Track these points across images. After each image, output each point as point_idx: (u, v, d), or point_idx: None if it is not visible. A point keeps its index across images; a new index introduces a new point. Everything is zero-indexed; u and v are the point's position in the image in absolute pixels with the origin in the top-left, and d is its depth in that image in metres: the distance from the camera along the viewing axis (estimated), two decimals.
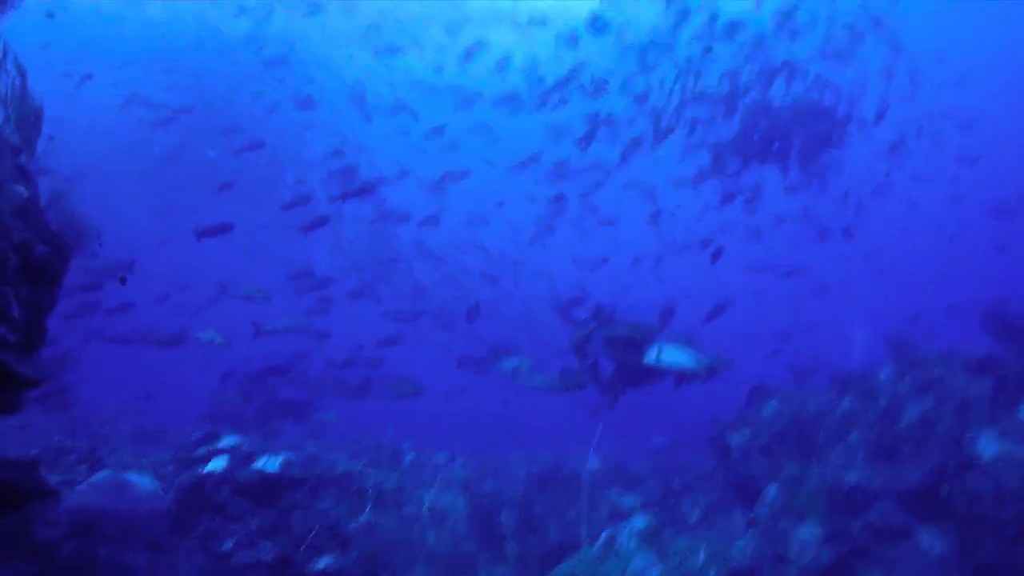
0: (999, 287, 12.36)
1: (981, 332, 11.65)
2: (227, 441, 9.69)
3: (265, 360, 15.40)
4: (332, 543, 7.98)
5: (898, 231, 26.19)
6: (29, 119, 5.31)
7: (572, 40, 18.05)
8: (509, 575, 7.12)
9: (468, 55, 18.68)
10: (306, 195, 13.97)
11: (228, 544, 7.59)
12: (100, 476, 7.47)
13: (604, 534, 7.39)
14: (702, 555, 6.52)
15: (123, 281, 11.81)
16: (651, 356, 7.65)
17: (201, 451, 9.48)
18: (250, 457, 9.47)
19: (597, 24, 17.17)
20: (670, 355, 7.81)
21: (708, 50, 15.48)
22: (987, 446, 7.71)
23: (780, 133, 14.19)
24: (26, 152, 5.10)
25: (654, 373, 8.43)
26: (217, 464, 8.99)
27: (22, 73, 5.38)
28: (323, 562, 7.40)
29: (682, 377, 8.37)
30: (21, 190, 4.55)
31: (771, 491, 8.59)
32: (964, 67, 21.73)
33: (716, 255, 13.96)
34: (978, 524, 7.60)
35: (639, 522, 7.40)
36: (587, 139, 15.01)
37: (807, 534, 7.55)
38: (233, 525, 8.03)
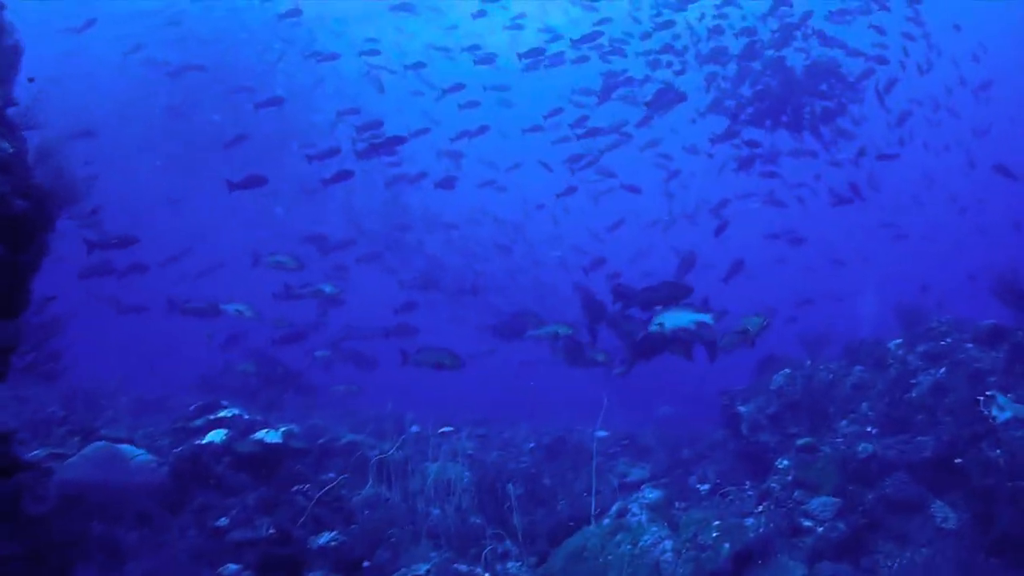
0: (1011, 257, 12.09)
1: (993, 301, 11.48)
2: (227, 412, 9.53)
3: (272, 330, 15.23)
4: (334, 518, 7.86)
5: (911, 200, 25.83)
6: (4, 56, 5.01)
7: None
8: (517, 549, 7.00)
9: (481, 13, 18.23)
10: (335, 147, 13.42)
11: (224, 520, 7.43)
12: (93, 448, 7.32)
13: (615, 507, 7.28)
14: (715, 528, 6.40)
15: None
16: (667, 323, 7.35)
17: (199, 422, 9.31)
18: (251, 428, 9.33)
19: None
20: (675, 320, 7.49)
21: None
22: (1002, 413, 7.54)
23: (793, 96, 13.88)
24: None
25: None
26: (216, 435, 8.84)
27: None
28: (324, 538, 7.26)
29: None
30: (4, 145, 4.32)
31: (783, 462, 8.47)
32: (980, 37, 21.31)
33: (720, 228, 13.68)
34: (993, 495, 7.48)
35: (650, 494, 7.28)
36: (605, 94, 14.66)
37: (821, 506, 7.43)
38: (230, 499, 7.88)
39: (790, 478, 8.06)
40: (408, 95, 21.96)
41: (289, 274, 11.65)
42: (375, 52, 18.28)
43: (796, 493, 7.79)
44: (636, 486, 10.30)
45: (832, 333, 13.64)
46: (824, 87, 13.98)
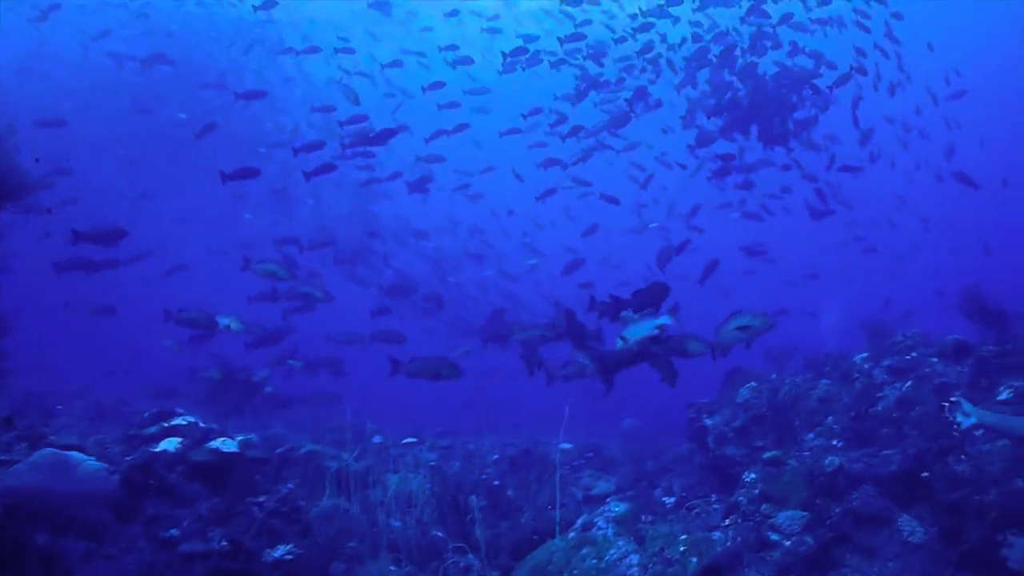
0: (977, 274, 12.21)
1: (957, 317, 11.54)
2: (182, 419, 9.24)
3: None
4: (290, 529, 7.60)
5: (881, 217, 26.07)
6: None
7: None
8: (479, 564, 6.81)
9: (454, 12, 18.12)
10: (320, 141, 13.07)
11: (175, 531, 7.15)
12: (40, 455, 6.99)
13: (580, 520, 7.12)
14: (682, 543, 6.26)
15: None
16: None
17: (153, 429, 9.02)
18: (206, 436, 9.05)
19: None
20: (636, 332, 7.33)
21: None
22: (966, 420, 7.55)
23: (764, 106, 13.85)
24: None
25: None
26: (169, 443, 8.56)
27: None
28: (279, 551, 7.01)
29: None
30: None
31: (750, 476, 8.36)
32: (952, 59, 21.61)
33: (681, 247, 13.25)
34: (960, 509, 7.44)
35: (616, 508, 7.13)
36: (581, 96, 14.53)
37: (788, 520, 7.33)
38: (182, 510, 7.60)
39: (757, 491, 7.96)
40: (380, 99, 21.72)
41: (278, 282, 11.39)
42: (349, 51, 18.03)
43: (763, 507, 7.68)
44: (601, 499, 10.15)
45: (798, 347, 13.68)
46: (795, 98, 13.97)
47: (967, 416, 4.08)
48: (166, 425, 9.27)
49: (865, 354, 11.21)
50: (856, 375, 10.79)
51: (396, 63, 18.79)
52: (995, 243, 26.14)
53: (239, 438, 9.43)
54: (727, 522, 7.71)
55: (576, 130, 14.71)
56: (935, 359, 10.14)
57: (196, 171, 22.96)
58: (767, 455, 8.86)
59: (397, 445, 12.27)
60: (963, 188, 15.56)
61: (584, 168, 15.97)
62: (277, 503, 8.25)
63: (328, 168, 12.05)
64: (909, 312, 15.22)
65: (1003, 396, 8.51)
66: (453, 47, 17.40)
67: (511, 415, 18.08)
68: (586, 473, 12.14)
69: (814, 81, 13.95)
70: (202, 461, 8.70)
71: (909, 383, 9.83)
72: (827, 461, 8.14)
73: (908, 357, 10.49)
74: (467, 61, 16.77)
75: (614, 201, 16.76)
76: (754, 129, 14.17)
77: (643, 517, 8.22)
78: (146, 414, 9.67)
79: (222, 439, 9.24)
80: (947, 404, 4.19)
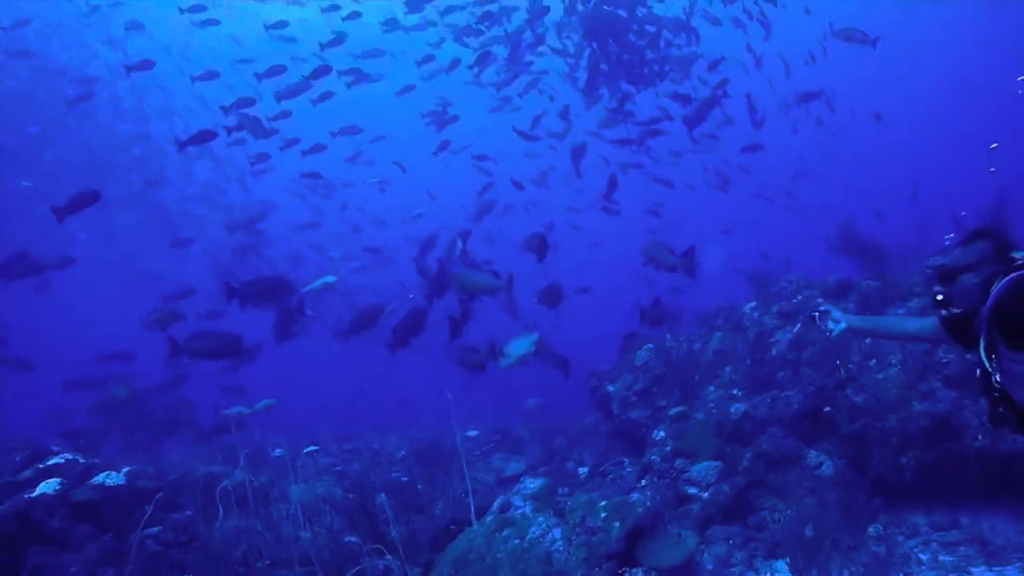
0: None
1: (832, 260, 11.88)
2: (59, 458, 8.49)
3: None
4: (191, 558, 7.07)
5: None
6: None
7: None
8: (398, 562, 6.48)
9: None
10: (211, 130, 12.18)
11: None
12: None
13: (496, 503, 6.89)
14: (602, 509, 6.11)
15: None
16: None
17: (27, 473, 8.24)
18: (88, 472, 8.35)
19: None
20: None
21: None
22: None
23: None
24: None
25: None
26: (47, 486, 7.83)
27: None
28: None
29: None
30: None
31: (659, 434, 8.34)
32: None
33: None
34: (863, 438, 7.61)
35: (531, 484, 6.94)
36: (480, 64, 14.07)
37: (703, 471, 7.32)
38: (70, 555, 6.95)
39: (668, 448, 7.93)
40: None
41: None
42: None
43: (677, 462, 7.66)
44: (514, 480, 9.98)
45: (687, 307, 13.86)
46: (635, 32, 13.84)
47: (837, 323, 4.09)
48: (41, 467, 8.50)
49: (753, 303, 11.40)
50: (747, 324, 10.95)
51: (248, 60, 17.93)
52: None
53: (125, 469, 8.76)
54: (643, 483, 7.65)
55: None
56: (820, 299, 10.37)
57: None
58: (673, 411, 8.87)
59: (300, 455, 11.75)
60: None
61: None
62: (174, 532, 7.69)
63: (209, 135, 11.12)
64: (788, 259, 15.62)
65: None
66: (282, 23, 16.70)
67: (414, 410, 17.70)
68: (496, 457, 11.97)
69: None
70: (86, 500, 8.02)
71: (798, 326, 10.03)
72: (732, 409, 8.20)
73: (795, 300, 10.71)
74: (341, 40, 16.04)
75: (520, 186, 16.55)
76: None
77: (559, 490, 8.07)
78: (18, 457, 8.84)
79: (106, 472, 8.56)
80: (816, 314, 4.19)
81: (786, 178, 27.04)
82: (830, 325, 4.20)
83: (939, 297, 3.49)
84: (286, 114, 13.96)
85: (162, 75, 24.71)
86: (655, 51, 14.06)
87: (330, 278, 10.43)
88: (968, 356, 3.90)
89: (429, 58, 15.42)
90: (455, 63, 15.21)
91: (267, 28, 16.43)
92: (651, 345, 11.25)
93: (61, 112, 21.76)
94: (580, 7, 13.74)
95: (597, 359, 12.63)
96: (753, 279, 12.61)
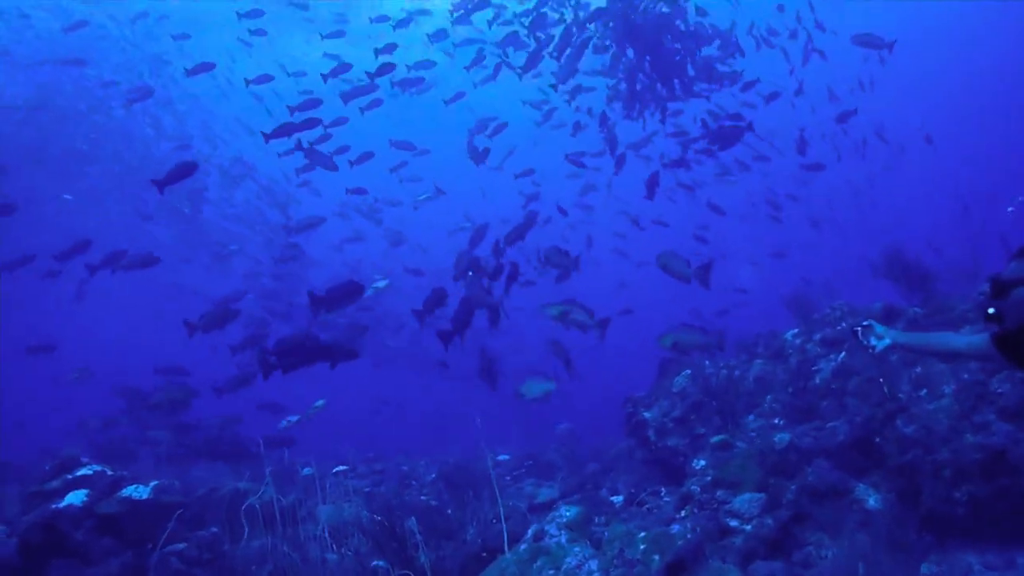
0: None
1: (877, 286, 11.55)
2: (87, 469, 8.41)
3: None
4: None
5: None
6: None
7: None
8: None
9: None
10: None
11: None
12: None
13: (530, 531, 6.64)
14: (641, 541, 5.84)
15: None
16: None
17: (55, 483, 8.17)
18: (116, 485, 8.25)
19: None
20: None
21: None
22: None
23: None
24: None
25: None
26: (75, 496, 7.75)
27: None
28: None
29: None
30: None
31: (700, 463, 8.04)
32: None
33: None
34: (914, 471, 7.27)
35: (566, 512, 6.68)
36: (476, 63, 13.94)
37: (745, 503, 7.01)
38: (92, 569, 6.81)
39: (709, 478, 7.62)
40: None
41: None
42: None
43: (718, 493, 7.35)
44: (547, 507, 9.72)
45: (727, 331, 13.53)
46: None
47: (880, 339, 3.85)
48: (70, 477, 8.44)
49: (796, 330, 11.09)
50: (789, 352, 10.65)
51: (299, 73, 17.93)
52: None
53: (152, 483, 8.67)
54: (683, 514, 7.35)
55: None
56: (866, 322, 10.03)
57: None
58: (715, 439, 8.57)
59: (329, 475, 11.60)
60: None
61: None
62: (198, 550, 7.55)
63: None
64: (829, 287, 15.27)
65: None
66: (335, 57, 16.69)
67: (445, 432, 17.53)
68: (528, 482, 11.70)
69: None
70: (112, 512, 7.93)
71: (843, 354, 9.70)
72: (777, 439, 7.89)
73: (838, 328, 10.38)
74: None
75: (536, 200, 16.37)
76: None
77: (596, 519, 7.80)
78: (47, 466, 8.79)
79: (134, 486, 8.48)
80: (859, 329, 3.97)
81: (834, 202, 26.66)
82: (873, 341, 4.00)
83: (990, 311, 3.23)
84: (342, 120, 13.86)
85: (204, 96, 25.12)
86: (696, 62, 13.76)
87: (382, 283, 10.38)
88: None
89: (479, 60, 15.19)
90: (498, 68, 14.99)
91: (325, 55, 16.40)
92: (689, 371, 10.98)
93: (104, 129, 22.09)
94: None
95: (633, 384, 12.38)
96: (795, 305, 12.31)
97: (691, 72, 13.82)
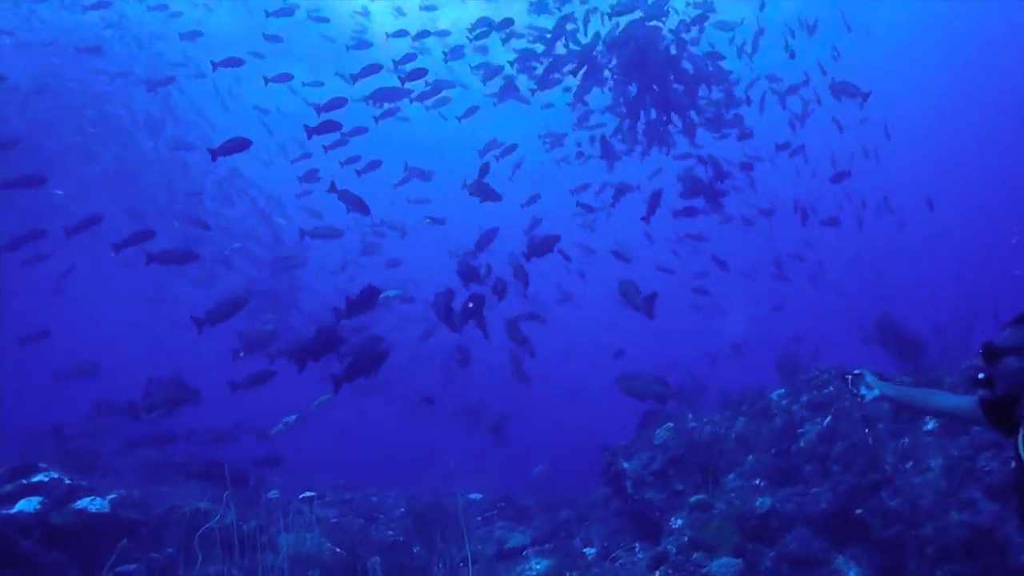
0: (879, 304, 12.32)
1: (866, 350, 11.45)
2: (43, 475, 8.10)
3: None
4: None
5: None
6: None
7: None
8: None
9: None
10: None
11: None
12: None
13: None
14: None
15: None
16: None
17: (8, 487, 7.86)
18: (72, 494, 7.95)
19: None
20: None
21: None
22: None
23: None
24: None
25: None
26: (28, 503, 7.45)
27: None
28: None
29: None
30: None
31: (677, 522, 7.82)
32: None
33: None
34: (897, 546, 7.08)
35: (537, 566, 6.43)
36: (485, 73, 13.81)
37: (722, 568, 6.78)
38: None
39: (686, 539, 7.41)
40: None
41: None
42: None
43: (694, 555, 7.13)
44: (517, 552, 9.45)
45: (711, 385, 13.39)
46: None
47: (870, 389, 3.82)
48: (24, 483, 8.12)
49: (782, 390, 10.93)
50: (775, 412, 10.45)
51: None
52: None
53: (110, 496, 8.36)
54: (657, 574, 7.12)
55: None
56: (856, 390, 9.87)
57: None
58: (694, 499, 8.35)
59: (296, 501, 11.27)
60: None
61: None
62: (149, 571, 7.24)
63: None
64: (817, 347, 15.17)
65: (929, 427, 8.25)
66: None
67: (418, 464, 17.22)
68: (499, 525, 11.41)
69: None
70: (64, 524, 7.63)
71: (829, 418, 9.52)
72: (758, 503, 7.68)
73: (825, 391, 10.21)
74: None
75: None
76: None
77: (568, 574, 7.55)
78: (1, 469, 8.47)
79: (90, 498, 8.17)
80: (850, 376, 3.95)
81: (833, 263, 26.73)
82: (863, 390, 3.99)
83: (980, 376, 3.20)
84: (362, 130, 13.62)
85: (205, 108, 24.99)
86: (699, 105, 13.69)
87: (392, 292, 10.23)
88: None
89: (495, 71, 15.03)
90: (511, 84, 14.81)
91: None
92: (671, 424, 10.78)
93: (102, 128, 21.86)
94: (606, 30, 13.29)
95: (615, 428, 12.20)
96: (783, 365, 12.18)
97: (694, 117, 13.76)
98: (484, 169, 12.13)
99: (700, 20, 13.57)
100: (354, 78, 13.30)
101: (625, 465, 10.51)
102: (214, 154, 9.69)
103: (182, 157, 23.38)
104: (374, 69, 13.18)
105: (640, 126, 13.98)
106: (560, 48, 13.87)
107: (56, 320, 19.34)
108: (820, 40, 18.47)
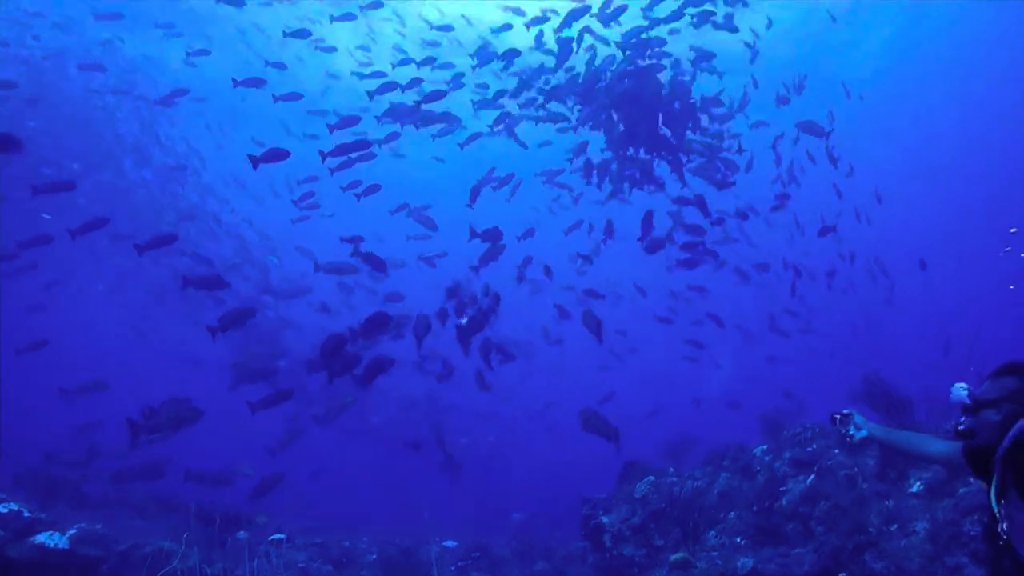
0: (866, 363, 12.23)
1: (856, 404, 11.34)
2: (3, 506, 7.85)
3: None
4: None
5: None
6: None
7: None
8: None
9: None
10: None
11: None
12: None
13: None
14: None
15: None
16: None
17: None
18: (30, 528, 7.68)
19: None
20: None
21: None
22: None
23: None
24: None
25: None
26: None
27: None
28: None
29: None
30: None
31: None
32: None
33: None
34: None
35: None
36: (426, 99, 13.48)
37: None
38: None
39: None
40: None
41: None
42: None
43: None
44: None
45: (694, 439, 13.22)
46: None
47: (859, 429, 3.85)
48: None
49: (765, 446, 10.77)
50: (757, 468, 10.29)
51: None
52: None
53: (70, 532, 8.07)
54: None
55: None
56: (837, 450, 9.73)
57: None
58: (673, 557, 8.11)
59: (265, 543, 10.93)
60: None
61: None
62: None
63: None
64: (802, 401, 15.04)
65: (914, 489, 8.10)
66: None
67: (392, 507, 16.90)
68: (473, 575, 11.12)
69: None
70: (20, 559, 7.35)
71: (812, 476, 9.35)
72: (739, 563, 7.47)
73: (809, 449, 10.06)
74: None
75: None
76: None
77: None
78: None
79: (49, 532, 7.89)
80: (839, 416, 3.89)
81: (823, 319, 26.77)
82: (852, 431, 3.89)
83: (960, 427, 3.29)
84: (370, 156, 13.39)
85: (196, 138, 24.89)
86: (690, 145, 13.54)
87: None
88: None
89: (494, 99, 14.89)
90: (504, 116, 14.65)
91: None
92: (652, 477, 10.57)
93: (97, 153, 21.70)
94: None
95: (596, 476, 12.01)
96: (766, 421, 12.05)
97: (684, 159, 13.65)
98: (475, 193, 12.15)
99: (701, 60, 13.51)
100: (370, 95, 12.94)
101: (604, 519, 10.26)
102: (255, 161, 9.62)
103: (172, 190, 23.28)
104: (389, 87, 12.91)
105: (627, 165, 13.87)
106: (560, 76, 13.75)
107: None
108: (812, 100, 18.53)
